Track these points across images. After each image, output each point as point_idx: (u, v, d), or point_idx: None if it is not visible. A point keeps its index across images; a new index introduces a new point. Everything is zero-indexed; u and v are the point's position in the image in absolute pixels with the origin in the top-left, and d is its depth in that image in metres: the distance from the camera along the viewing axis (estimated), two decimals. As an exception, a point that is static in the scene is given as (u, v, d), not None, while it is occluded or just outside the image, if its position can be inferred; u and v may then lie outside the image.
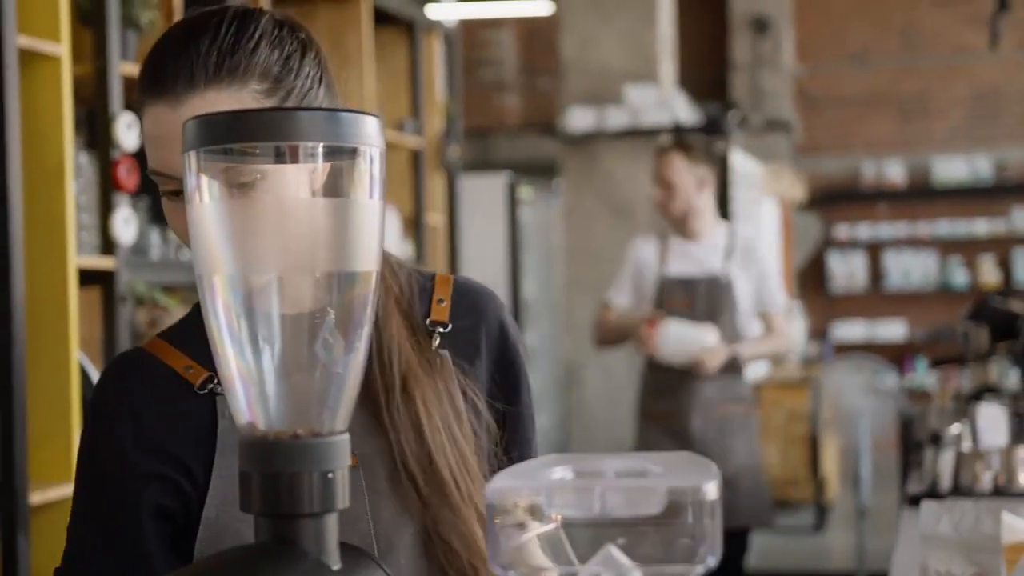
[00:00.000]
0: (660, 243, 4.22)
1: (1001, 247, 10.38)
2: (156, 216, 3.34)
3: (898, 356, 10.22)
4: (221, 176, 0.91)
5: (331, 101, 1.27)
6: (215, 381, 1.23)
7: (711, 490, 0.74)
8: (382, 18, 4.72)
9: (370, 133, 0.92)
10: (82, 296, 2.93)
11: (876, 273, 10.64)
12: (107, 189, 3.03)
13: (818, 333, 10.45)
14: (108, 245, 3.03)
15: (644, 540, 0.75)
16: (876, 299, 10.64)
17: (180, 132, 1.12)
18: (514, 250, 6.78)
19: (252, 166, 1.01)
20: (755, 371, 7.98)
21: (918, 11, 10.49)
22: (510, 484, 0.78)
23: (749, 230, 4.32)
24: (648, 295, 4.21)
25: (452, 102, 5.33)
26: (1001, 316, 4.17)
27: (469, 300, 1.35)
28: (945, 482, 2.71)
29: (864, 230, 10.58)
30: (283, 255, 0.91)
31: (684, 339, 4.05)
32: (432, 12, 5.26)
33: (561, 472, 0.80)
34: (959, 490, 2.65)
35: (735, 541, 4.11)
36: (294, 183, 0.95)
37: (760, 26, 10.14)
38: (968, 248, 10.45)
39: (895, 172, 10.51)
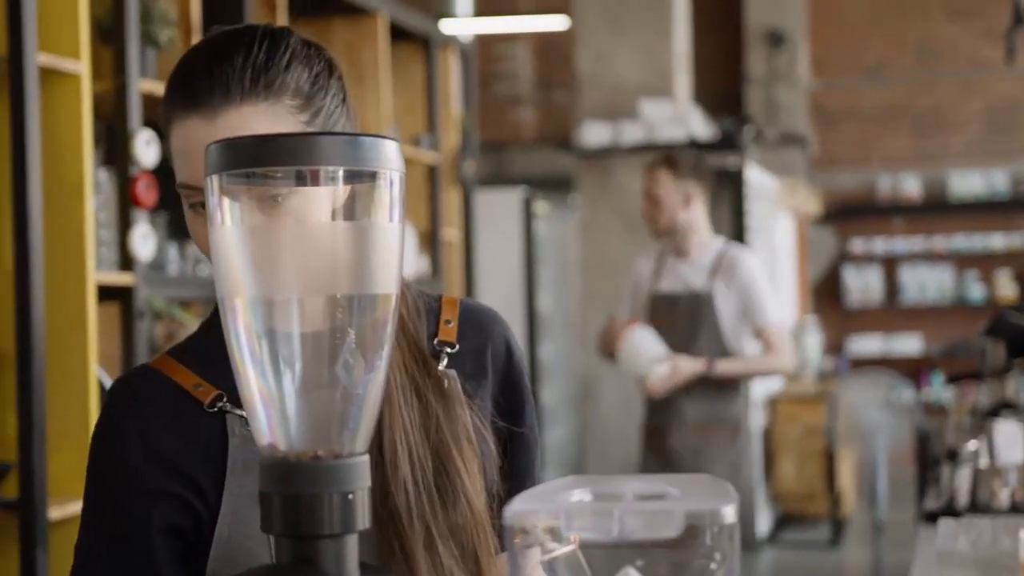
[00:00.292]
0: (657, 260, 4.26)
1: (1018, 261, 10.35)
2: (174, 232, 3.36)
3: (914, 371, 10.19)
4: (246, 194, 0.92)
5: (351, 123, 1.28)
6: (224, 399, 1.24)
7: (729, 514, 0.74)
8: (398, 34, 4.74)
9: (390, 157, 0.93)
10: (101, 311, 2.94)
11: (892, 287, 10.62)
12: (126, 205, 3.05)
13: (834, 348, 10.43)
14: (127, 261, 3.05)
15: (662, 563, 0.76)
16: (892, 313, 10.61)
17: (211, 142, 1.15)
18: (529, 264, 6.78)
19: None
20: (768, 387, 7.97)
21: (934, 26, 10.49)
22: (529, 506, 0.78)
23: (739, 247, 4.26)
24: (640, 311, 4.25)
25: (468, 117, 5.34)
26: (1018, 332, 4.16)
27: (476, 321, 1.36)
28: (962, 499, 2.70)
29: (880, 244, 10.55)
30: (304, 278, 0.91)
31: (638, 355, 4.06)
32: (447, 27, 5.28)
33: (580, 494, 0.80)
34: (976, 507, 2.64)
35: None
36: (318, 205, 0.96)
37: (775, 40, 10.14)
38: (984, 262, 10.42)
39: (911, 186, 10.49)
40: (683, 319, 4.12)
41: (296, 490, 0.89)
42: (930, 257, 10.49)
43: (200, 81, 1.20)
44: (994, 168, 10.36)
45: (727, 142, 6.55)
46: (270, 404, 0.91)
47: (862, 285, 10.60)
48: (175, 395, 1.25)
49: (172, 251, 3.30)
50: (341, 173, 0.91)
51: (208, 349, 1.23)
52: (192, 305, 3.49)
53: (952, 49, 10.45)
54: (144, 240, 3.06)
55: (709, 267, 4.11)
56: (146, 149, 3.05)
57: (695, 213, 4.11)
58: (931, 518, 2.64)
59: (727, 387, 4.12)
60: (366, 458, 0.92)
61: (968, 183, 10.36)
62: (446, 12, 5.92)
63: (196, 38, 3.32)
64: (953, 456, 3.09)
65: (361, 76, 4.43)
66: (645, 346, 4.06)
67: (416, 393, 1.28)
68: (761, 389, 7.63)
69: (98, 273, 2.91)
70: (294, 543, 0.90)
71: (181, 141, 1.22)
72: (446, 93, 5.17)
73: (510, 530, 0.78)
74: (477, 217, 5.41)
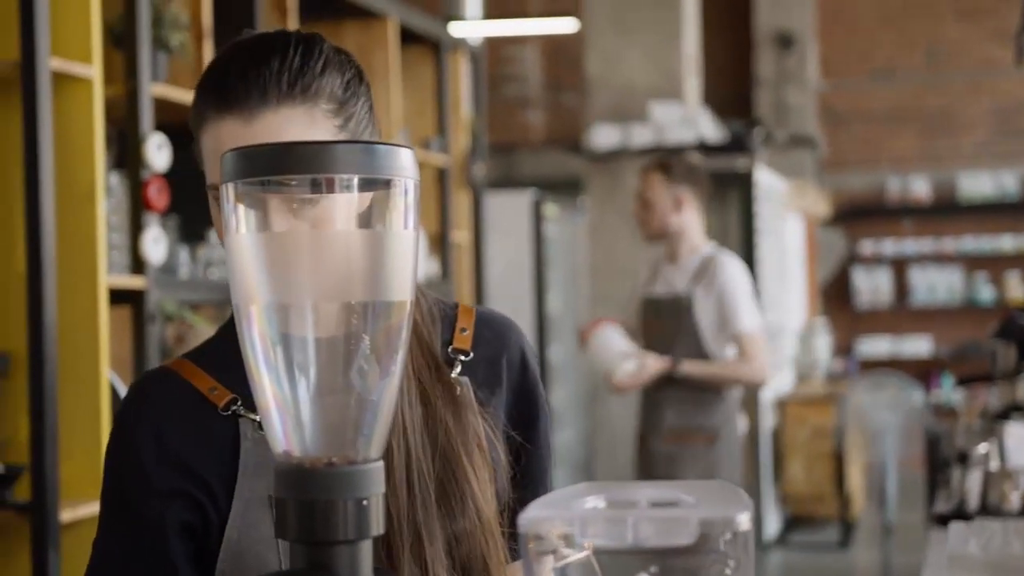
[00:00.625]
0: (653, 264, 4.28)
1: (1027, 263, 10.34)
2: (185, 235, 3.37)
3: (923, 372, 10.17)
4: (262, 201, 0.93)
5: (376, 131, 1.30)
6: (239, 403, 1.24)
7: (744, 521, 0.74)
8: (408, 37, 4.75)
9: (405, 165, 0.93)
10: (112, 315, 2.95)
11: (901, 289, 10.60)
12: (137, 209, 3.06)
13: (843, 349, 10.41)
14: (138, 264, 3.05)
15: (676, 570, 0.76)
16: (901, 315, 10.59)
17: (248, 144, 1.15)
18: (538, 267, 6.78)
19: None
20: (778, 389, 7.96)
21: (943, 27, 10.47)
22: (543, 513, 0.79)
23: (725, 253, 4.21)
24: (633, 314, 4.29)
25: (477, 120, 5.35)
26: (1028, 334, 4.15)
27: (492, 330, 1.36)
28: (973, 501, 2.70)
29: (889, 246, 10.54)
30: (319, 285, 0.92)
31: (605, 351, 4.09)
32: (457, 30, 5.28)
33: (594, 501, 0.81)
34: (987, 510, 2.64)
35: None
36: (343, 212, 0.96)
37: (785, 42, 10.13)
38: (994, 264, 10.40)
39: (920, 188, 10.48)
40: (665, 323, 4.12)
41: (311, 496, 0.90)
42: (939, 258, 10.48)
43: (236, 83, 1.20)
44: (1003, 169, 10.34)
45: (736, 144, 6.55)
46: (285, 411, 0.92)
47: (871, 286, 10.58)
48: (190, 397, 1.26)
49: (183, 254, 3.31)
50: (356, 181, 0.91)
51: (225, 354, 1.24)
52: (203, 308, 3.50)
53: (961, 50, 10.44)
54: (155, 243, 3.07)
55: (693, 272, 4.10)
56: (158, 153, 3.06)
57: (686, 218, 4.11)
58: (942, 521, 2.64)
59: (707, 395, 4.06)
60: (380, 464, 0.92)
61: (977, 184, 10.35)
62: (455, 15, 5.93)
63: (208, 42, 3.33)
64: (964, 458, 3.09)
65: (371, 79, 4.42)
66: (613, 343, 4.10)
67: (423, 398, 1.28)
68: (770, 391, 7.63)
69: (110, 276, 2.92)
70: (309, 549, 0.91)
71: (215, 142, 1.22)
72: (456, 96, 5.18)
73: (524, 537, 0.79)
74: (486, 219, 5.41)
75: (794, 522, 7.66)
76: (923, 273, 10.50)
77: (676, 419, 4.05)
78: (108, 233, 2.94)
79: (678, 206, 4.09)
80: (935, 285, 10.46)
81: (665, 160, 4.23)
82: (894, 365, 9.82)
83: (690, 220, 4.12)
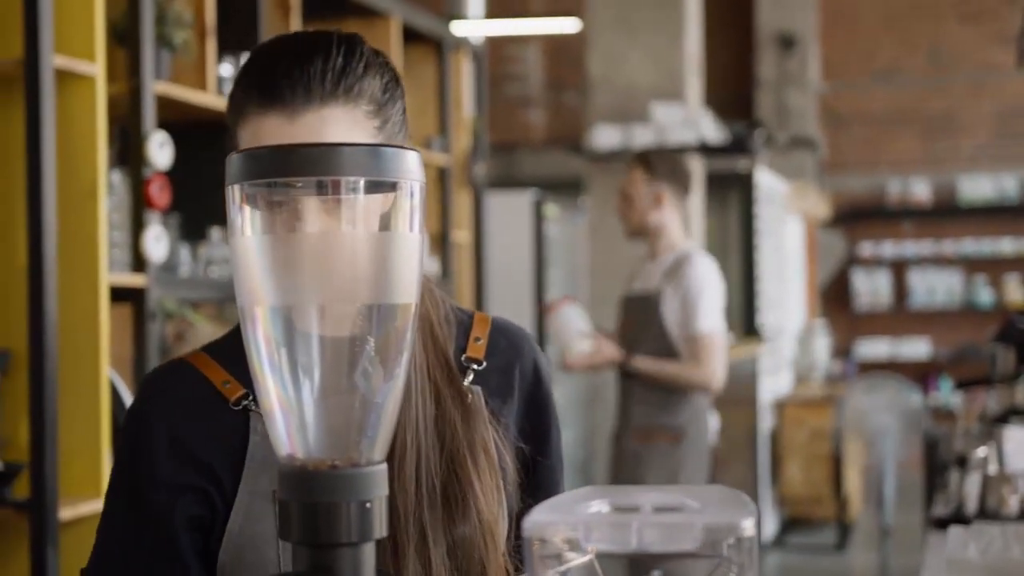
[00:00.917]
0: (639, 262, 4.28)
1: (1027, 266, 10.34)
2: (186, 234, 3.37)
3: (921, 375, 10.17)
4: (266, 203, 0.93)
5: (408, 135, 1.30)
6: (250, 398, 1.25)
7: (748, 526, 0.74)
8: (410, 36, 4.75)
9: (411, 167, 0.93)
10: (113, 313, 2.95)
11: (900, 291, 10.61)
12: (139, 207, 3.06)
13: (842, 351, 10.42)
14: (139, 262, 3.05)
15: (680, 575, 0.76)
16: (900, 317, 10.60)
17: (290, 142, 1.15)
18: (539, 267, 6.78)
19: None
20: (776, 390, 7.97)
21: (945, 29, 10.47)
22: (547, 518, 0.79)
23: (698, 252, 4.19)
24: (618, 311, 4.30)
25: (479, 119, 5.35)
26: (1028, 338, 4.15)
27: (506, 340, 1.37)
28: (971, 505, 2.70)
29: (889, 248, 10.54)
30: (324, 287, 0.92)
31: (564, 328, 4.14)
32: (459, 29, 5.28)
33: (598, 505, 0.81)
34: (985, 513, 2.64)
35: None
36: (370, 214, 0.96)
37: (786, 43, 10.13)
38: (993, 266, 10.40)
39: (920, 190, 10.48)
40: (637, 319, 4.11)
41: (314, 498, 0.90)
42: (939, 261, 10.48)
43: (280, 80, 1.20)
44: (1004, 172, 10.34)
45: (737, 145, 6.54)
46: (289, 412, 0.92)
47: (871, 288, 10.59)
48: (203, 390, 1.28)
49: (184, 252, 3.31)
50: (362, 183, 0.91)
51: (241, 348, 1.25)
52: (203, 306, 3.50)
53: (963, 53, 10.44)
54: (157, 242, 3.07)
55: (665, 269, 4.08)
56: (160, 151, 3.06)
57: (666, 215, 4.10)
58: (940, 524, 2.64)
59: (674, 395, 4.03)
60: (384, 467, 0.92)
61: (978, 187, 10.35)
62: (458, 14, 5.93)
63: (211, 40, 3.33)
64: (962, 462, 3.09)
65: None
66: (573, 321, 4.14)
67: (436, 399, 1.29)
68: (768, 393, 7.63)
69: (111, 274, 2.92)
70: (312, 551, 0.91)
71: (255, 138, 1.22)
72: (457, 95, 5.18)
73: (528, 541, 0.79)
74: (487, 219, 5.41)
75: (791, 524, 7.67)
76: (922, 275, 10.50)
77: (642, 418, 4.03)
78: (109, 231, 2.94)
79: (658, 203, 4.08)
80: (934, 287, 10.47)
81: (648, 156, 4.23)
82: (892, 367, 9.83)
83: (670, 217, 4.11)
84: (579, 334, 4.12)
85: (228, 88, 3.43)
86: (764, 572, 6.78)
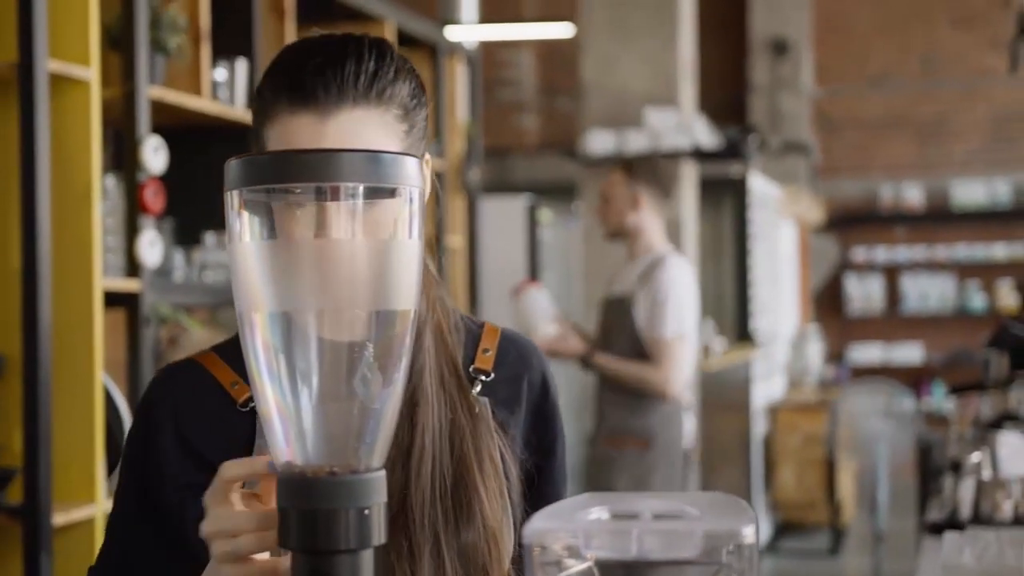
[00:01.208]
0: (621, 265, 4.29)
1: (1019, 271, 10.35)
2: (181, 238, 3.37)
3: (914, 380, 10.18)
4: (265, 209, 0.93)
5: (429, 144, 1.30)
6: None
7: (748, 534, 0.74)
8: (405, 40, 4.75)
9: (410, 174, 0.93)
10: (107, 318, 2.95)
11: (893, 296, 10.62)
12: (133, 211, 3.05)
13: (835, 356, 10.43)
14: (133, 267, 3.05)
15: (680, 582, 0.76)
16: (893, 322, 10.60)
17: (322, 142, 1.16)
18: (533, 272, 6.78)
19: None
20: (769, 395, 7.97)
21: (938, 34, 10.49)
22: (547, 525, 0.79)
23: (674, 255, 4.17)
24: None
25: (473, 124, 5.35)
26: (1022, 343, 4.16)
27: (515, 352, 1.37)
28: (965, 510, 2.70)
29: (881, 253, 10.55)
30: (323, 293, 0.92)
31: (530, 311, 4.14)
32: (453, 34, 5.28)
33: (597, 512, 0.81)
34: (979, 519, 2.64)
35: None
36: (387, 219, 0.95)
37: (779, 49, 10.14)
38: (986, 272, 10.41)
39: (913, 195, 10.49)
40: (612, 321, 4.11)
41: (313, 506, 0.90)
42: (932, 266, 10.49)
43: (313, 79, 1.20)
44: (996, 177, 10.36)
45: (731, 150, 6.55)
46: (287, 419, 0.92)
47: (863, 293, 10.60)
48: (212, 389, 1.28)
49: (178, 257, 3.31)
50: (361, 189, 0.91)
51: None
52: (197, 311, 3.49)
53: (956, 58, 10.46)
54: (151, 246, 3.07)
55: (640, 271, 4.09)
56: (154, 155, 3.05)
57: (643, 217, 4.11)
58: (934, 529, 2.64)
59: (643, 399, 4.00)
60: (382, 473, 0.92)
61: (970, 192, 10.36)
62: (451, 19, 5.93)
63: (205, 45, 3.32)
64: (956, 467, 3.09)
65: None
66: (540, 304, 4.16)
67: (449, 404, 1.29)
68: (762, 397, 7.64)
69: (105, 279, 2.91)
70: (310, 558, 0.91)
71: (283, 137, 1.21)
72: (451, 100, 5.18)
73: (529, 548, 0.79)
74: (481, 224, 5.41)
75: (785, 529, 7.67)
76: (915, 280, 10.51)
77: (612, 421, 4.01)
78: (103, 235, 2.93)
79: (635, 205, 4.10)
80: (927, 293, 10.48)
81: (630, 160, 4.27)
82: (885, 372, 9.84)
83: (647, 220, 4.12)
84: (544, 318, 4.12)
85: (222, 93, 3.43)
86: (757, 577, 6.77)
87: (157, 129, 3.12)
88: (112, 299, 2.98)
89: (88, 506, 2.80)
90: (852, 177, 10.65)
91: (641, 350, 4.01)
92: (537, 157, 10.11)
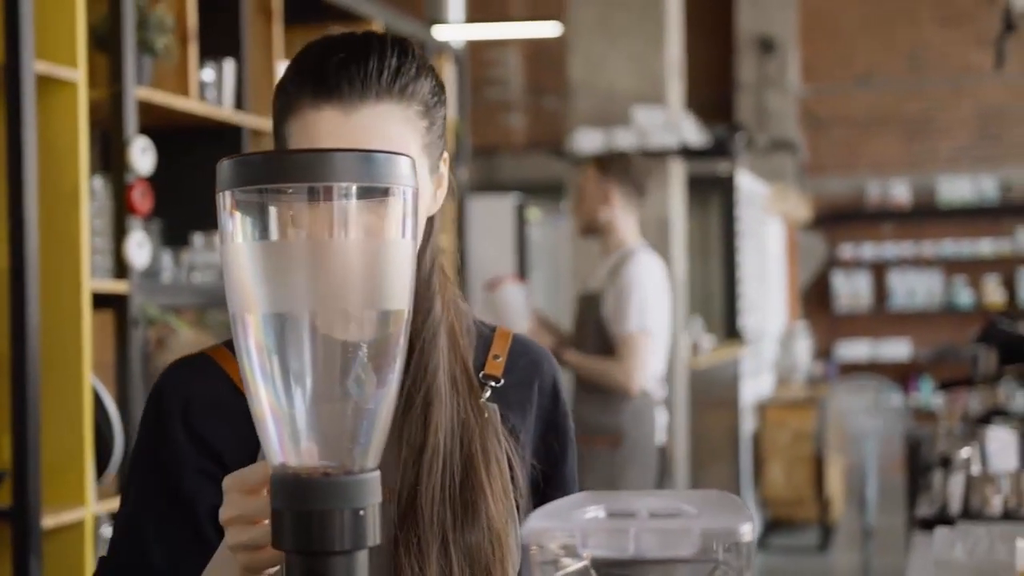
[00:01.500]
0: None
1: (1006, 267, 10.38)
2: (169, 239, 3.36)
3: (902, 376, 10.21)
4: (259, 210, 0.92)
5: (446, 143, 1.31)
6: None
7: (746, 532, 0.74)
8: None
9: (403, 173, 0.93)
10: (95, 319, 2.94)
11: (881, 292, 10.64)
12: (121, 213, 3.04)
13: (823, 353, 10.45)
14: (121, 269, 3.04)
15: (678, 581, 0.76)
16: (881, 318, 10.63)
17: (346, 136, 1.16)
18: (522, 270, 6.78)
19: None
20: (757, 392, 7.98)
21: (924, 32, 10.52)
22: (544, 524, 0.78)
23: (643, 251, 4.14)
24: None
25: (461, 123, 5.34)
26: (1010, 339, 4.18)
27: (526, 357, 1.38)
28: (955, 505, 2.71)
29: (869, 250, 10.58)
30: (316, 294, 0.91)
31: (504, 305, 4.14)
32: (440, 33, 5.28)
33: (594, 511, 0.80)
34: (969, 514, 2.65)
35: None
36: (391, 220, 0.95)
37: (766, 47, 10.16)
38: (973, 268, 10.45)
39: (900, 192, 10.52)
40: (585, 317, 4.11)
41: (307, 507, 0.89)
42: (919, 263, 10.52)
43: (337, 74, 1.20)
44: (983, 174, 10.39)
45: (718, 148, 6.55)
46: (281, 420, 0.92)
47: (851, 290, 10.62)
48: (223, 384, 1.28)
49: (166, 259, 3.30)
50: (354, 189, 0.91)
51: None
52: (186, 312, 3.48)
53: (942, 55, 10.49)
54: (139, 248, 3.05)
55: (610, 267, 4.09)
56: (142, 156, 3.04)
57: (616, 213, 4.12)
58: (925, 525, 2.65)
59: (613, 396, 3.97)
60: (377, 474, 0.92)
61: (957, 189, 10.39)
62: (439, 19, 5.92)
63: (192, 45, 3.31)
64: (945, 462, 3.10)
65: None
66: (515, 300, 4.15)
67: (459, 405, 1.29)
68: (750, 395, 7.65)
69: (93, 281, 2.90)
70: (305, 559, 0.90)
71: (306, 131, 1.21)
72: (439, 99, 5.17)
73: (526, 547, 0.79)
74: (469, 223, 5.41)
75: (774, 525, 7.68)
76: (902, 277, 10.54)
77: (584, 418, 3.96)
78: (91, 237, 2.92)
79: (606, 200, 4.11)
80: (914, 289, 10.51)
81: (603, 157, 4.29)
82: (873, 369, 9.86)
83: (619, 217, 4.13)
84: (519, 314, 4.12)
85: (210, 93, 3.42)
86: (747, 574, 6.77)
87: (144, 130, 3.11)
88: (100, 300, 2.97)
89: (77, 509, 2.79)
90: (839, 174, 10.67)
91: (610, 346, 4.01)
92: (525, 156, 10.12)
